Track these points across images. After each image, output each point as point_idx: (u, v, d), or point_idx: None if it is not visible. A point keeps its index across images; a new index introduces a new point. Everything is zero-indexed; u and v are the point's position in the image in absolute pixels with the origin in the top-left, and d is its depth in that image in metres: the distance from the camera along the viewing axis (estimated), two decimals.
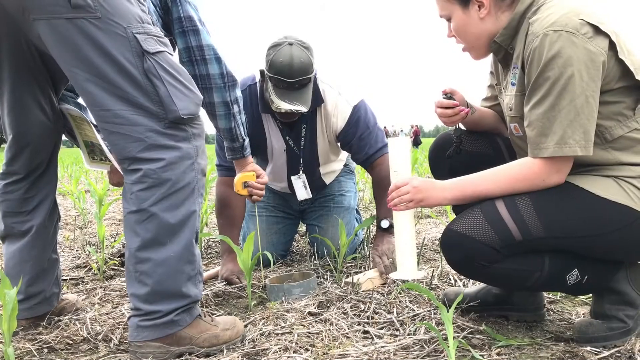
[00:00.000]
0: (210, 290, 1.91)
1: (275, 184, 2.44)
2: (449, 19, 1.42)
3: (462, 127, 1.63)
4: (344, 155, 2.52)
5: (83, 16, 1.15)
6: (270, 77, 2.02)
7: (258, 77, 2.19)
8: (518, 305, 1.54)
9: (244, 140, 1.85)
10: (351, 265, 2.24)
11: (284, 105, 1.98)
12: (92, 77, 1.19)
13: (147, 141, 1.23)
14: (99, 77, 1.19)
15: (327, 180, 2.47)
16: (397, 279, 1.81)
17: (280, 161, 2.31)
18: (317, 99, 2.15)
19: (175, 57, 1.34)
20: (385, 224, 2.18)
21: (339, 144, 2.30)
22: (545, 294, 1.72)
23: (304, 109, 2.01)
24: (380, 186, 2.21)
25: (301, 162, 2.27)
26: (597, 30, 1.20)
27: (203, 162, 1.33)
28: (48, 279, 1.56)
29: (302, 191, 2.30)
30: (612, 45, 1.22)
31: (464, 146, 1.59)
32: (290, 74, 1.98)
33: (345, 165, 2.57)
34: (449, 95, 1.56)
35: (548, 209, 1.27)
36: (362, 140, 2.20)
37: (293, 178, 2.30)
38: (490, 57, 1.55)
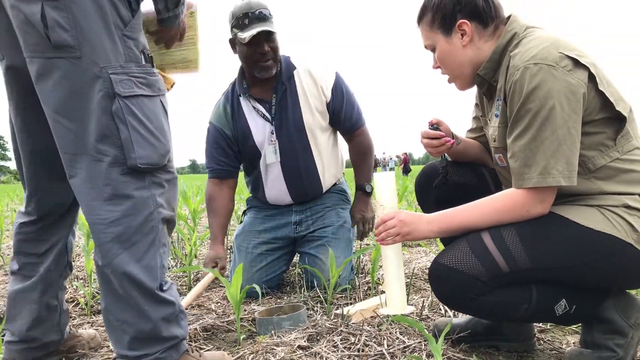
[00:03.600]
0: (199, 324, 1.89)
1: (272, 192, 2.42)
2: (433, 49, 1.46)
3: (448, 158, 1.65)
4: (341, 168, 2.55)
5: (63, 56, 1.15)
6: (234, 25, 2.18)
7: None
8: (508, 335, 1.53)
9: (160, 13, 1.42)
10: (342, 297, 2.23)
11: (249, 33, 2.12)
12: (63, 119, 1.18)
13: (104, 190, 1.20)
14: (68, 117, 1.18)
15: (324, 182, 2.44)
16: (386, 314, 1.80)
17: (274, 171, 2.35)
18: (290, 67, 2.34)
19: (167, 96, 1.33)
20: (369, 188, 2.42)
21: (327, 110, 2.36)
22: (535, 323, 1.72)
23: (270, 28, 2.15)
24: (360, 152, 2.46)
25: (273, 128, 2.33)
26: (577, 63, 1.23)
27: (165, 212, 1.28)
28: (45, 326, 1.50)
29: (272, 156, 2.34)
30: (592, 78, 1.24)
31: (450, 176, 1.60)
32: (249, 7, 2.16)
33: (344, 192, 2.56)
34: (435, 126, 1.59)
35: (534, 240, 1.28)
36: (348, 107, 2.39)
37: (265, 145, 2.34)
38: (475, 88, 1.59)
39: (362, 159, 2.48)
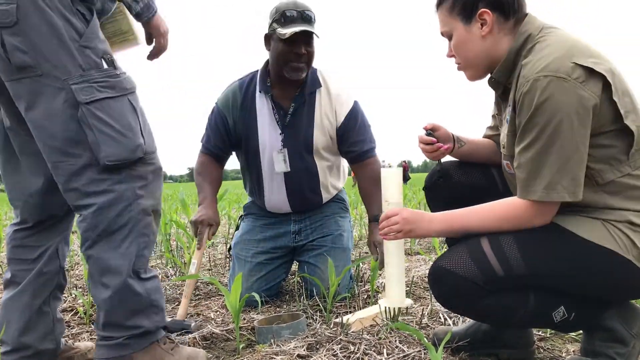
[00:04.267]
0: (198, 332, 1.88)
1: (272, 199, 2.39)
2: (450, 37, 1.42)
3: (452, 159, 1.65)
4: (342, 179, 2.53)
5: (27, 76, 1.26)
6: (276, 19, 2.14)
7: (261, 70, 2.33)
8: (508, 342, 1.53)
9: (131, 8, 1.47)
10: (341, 305, 2.22)
11: (290, 29, 2.07)
12: (38, 132, 1.30)
13: (82, 189, 1.31)
14: (43, 130, 1.29)
15: (324, 194, 2.43)
16: (385, 306, 1.80)
17: (277, 180, 2.32)
18: (315, 82, 2.29)
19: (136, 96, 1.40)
20: None
21: (335, 135, 2.32)
22: (535, 331, 1.71)
23: (313, 30, 2.11)
24: (372, 182, 2.27)
25: (283, 137, 2.29)
26: (591, 72, 1.19)
27: (146, 202, 1.37)
28: (37, 332, 1.50)
29: (281, 164, 2.30)
30: (607, 86, 1.20)
31: (456, 179, 1.60)
32: (295, 6, 2.13)
33: (342, 201, 2.56)
34: (429, 131, 1.60)
35: (531, 247, 1.28)
36: (360, 134, 2.32)
37: (274, 153, 2.30)
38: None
39: (375, 189, 2.19)
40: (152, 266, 3.31)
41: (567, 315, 1.32)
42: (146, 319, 1.39)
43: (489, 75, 1.42)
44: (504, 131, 1.38)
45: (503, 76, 1.38)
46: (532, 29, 1.32)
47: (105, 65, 1.33)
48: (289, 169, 2.30)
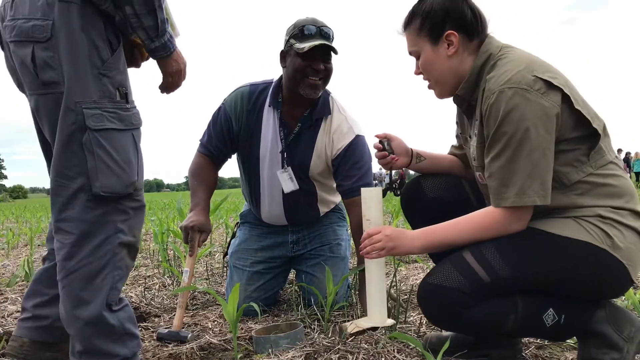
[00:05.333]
0: (195, 343, 1.88)
1: (268, 212, 2.37)
2: (417, 56, 1.50)
3: (393, 175, 1.74)
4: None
5: (51, 91, 1.28)
6: (293, 34, 2.10)
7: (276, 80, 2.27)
8: (498, 343, 1.57)
9: (146, 45, 1.43)
10: (339, 314, 2.22)
11: (309, 43, 2.03)
12: (54, 144, 1.32)
13: (66, 213, 1.31)
14: (55, 144, 1.31)
15: (322, 209, 2.42)
16: (365, 327, 1.79)
17: (276, 189, 2.29)
18: (325, 109, 2.23)
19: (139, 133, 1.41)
20: None
21: (331, 165, 2.27)
22: (533, 339, 1.72)
23: (332, 45, 2.07)
24: (357, 224, 2.17)
25: (285, 155, 2.24)
26: (550, 85, 1.28)
27: (124, 237, 1.36)
28: (56, 307, 1.48)
29: (289, 183, 2.25)
30: (566, 98, 1.29)
31: (431, 195, 1.65)
32: (315, 21, 2.10)
33: (339, 210, 2.55)
34: (382, 140, 1.68)
35: (511, 250, 1.33)
36: (353, 169, 2.20)
37: (279, 172, 2.25)
38: (455, 105, 1.62)
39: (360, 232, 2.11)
40: (149, 276, 3.31)
41: (558, 318, 1.35)
42: (123, 347, 1.38)
43: None
44: (473, 144, 1.44)
45: (467, 93, 1.45)
46: (493, 49, 1.41)
47: (118, 97, 1.35)
48: (297, 187, 2.25)
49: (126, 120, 1.36)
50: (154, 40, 1.39)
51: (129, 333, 1.39)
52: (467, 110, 1.49)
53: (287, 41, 2.14)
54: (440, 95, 1.52)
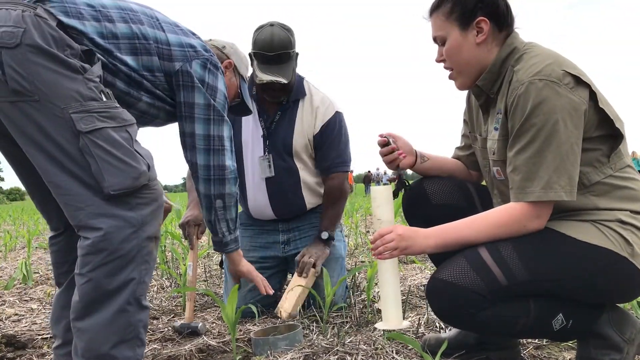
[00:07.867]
0: (194, 345, 1.88)
1: (255, 203, 2.40)
2: (442, 42, 1.43)
3: (401, 173, 1.67)
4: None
5: (23, 99, 1.23)
6: (254, 53, 2.25)
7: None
8: (498, 345, 1.56)
9: (223, 236, 1.73)
10: (338, 315, 2.22)
11: (264, 77, 2.19)
12: (38, 152, 1.27)
13: (87, 210, 1.28)
14: (45, 152, 1.27)
15: (307, 198, 2.42)
16: (383, 330, 1.79)
17: (257, 180, 2.35)
18: (300, 91, 2.36)
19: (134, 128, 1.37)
20: (324, 235, 2.32)
21: (312, 140, 2.35)
22: (531, 339, 1.72)
23: (283, 80, 2.19)
24: (329, 198, 2.37)
25: (267, 143, 2.33)
26: (578, 80, 1.26)
27: (151, 229, 1.34)
28: None
29: (266, 170, 2.34)
30: (592, 95, 1.27)
31: (434, 200, 1.60)
32: (271, 48, 2.21)
33: None
34: (386, 137, 1.64)
35: (530, 253, 1.29)
36: (331, 147, 2.35)
37: (258, 159, 2.34)
38: (464, 104, 1.60)
39: (330, 205, 2.38)
40: None
41: (565, 323, 1.32)
42: (130, 351, 1.34)
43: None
44: (493, 138, 1.40)
45: (487, 84, 1.41)
46: (518, 43, 1.39)
47: (104, 98, 1.32)
48: (273, 174, 2.35)
49: (118, 118, 1.32)
50: (231, 232, 1.52)
51: (139, 338, 1.35)
52: (484, 103, 1.45)
53: (251, 49, 2.28)
54: (462, 85, 1.46)
